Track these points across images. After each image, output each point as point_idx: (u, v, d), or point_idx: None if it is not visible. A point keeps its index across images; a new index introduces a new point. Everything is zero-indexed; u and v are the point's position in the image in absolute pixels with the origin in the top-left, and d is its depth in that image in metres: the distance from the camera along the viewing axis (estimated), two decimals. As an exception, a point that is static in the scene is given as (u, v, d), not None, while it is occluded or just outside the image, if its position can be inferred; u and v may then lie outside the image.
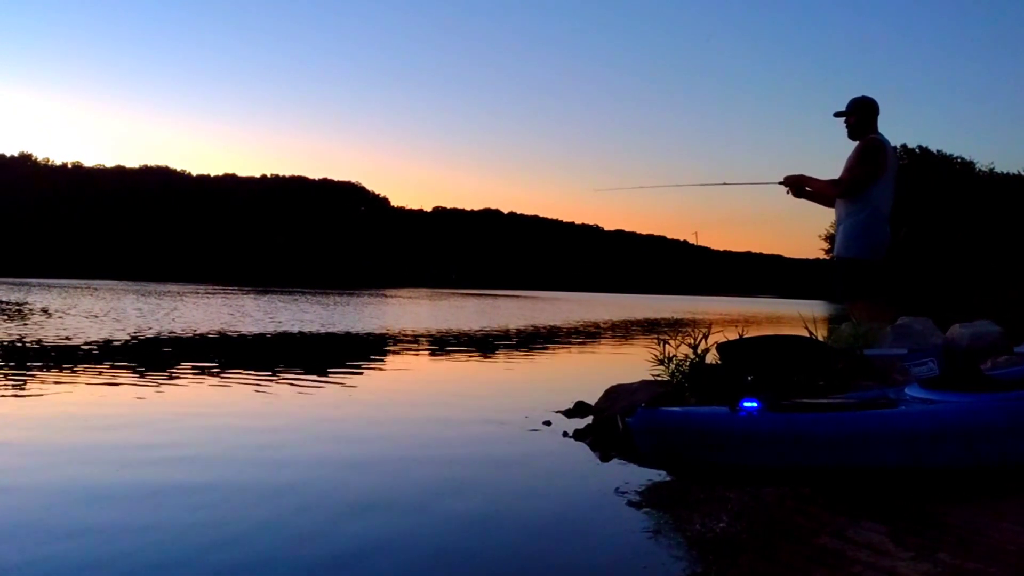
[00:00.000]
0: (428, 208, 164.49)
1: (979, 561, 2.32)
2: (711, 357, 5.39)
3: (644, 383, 5.62)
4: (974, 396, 3.05)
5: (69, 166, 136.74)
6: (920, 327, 5.13)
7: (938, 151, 47.50)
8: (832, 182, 5.60)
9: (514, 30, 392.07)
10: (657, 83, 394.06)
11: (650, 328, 20.49)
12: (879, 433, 2.91)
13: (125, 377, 7.54)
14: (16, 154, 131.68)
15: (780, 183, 5.69)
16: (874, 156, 5.43)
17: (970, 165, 46.38)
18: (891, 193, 5.57)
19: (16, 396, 6.29)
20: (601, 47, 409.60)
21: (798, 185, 5.68)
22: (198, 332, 13.61)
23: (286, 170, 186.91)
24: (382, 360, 10.99)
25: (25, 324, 13.88)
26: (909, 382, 3.59)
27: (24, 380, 7.11)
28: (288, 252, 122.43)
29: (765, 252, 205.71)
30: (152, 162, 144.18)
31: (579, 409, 6.11)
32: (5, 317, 15.69)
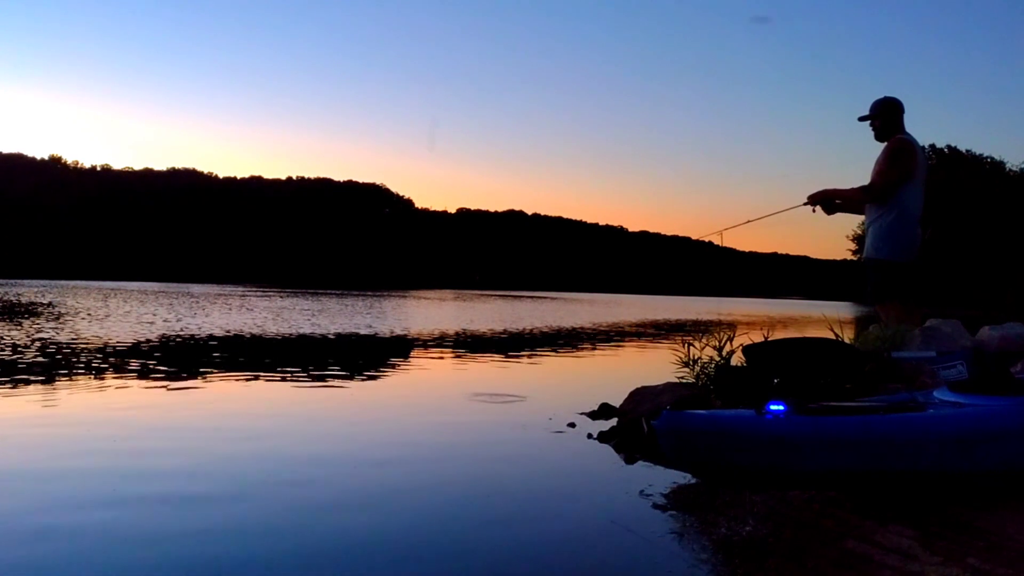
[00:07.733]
0: (452, 209, 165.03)
1: (1009, 566, 2.30)
2: (737, 359, 5.37)
3: (669, 385, 5.60)
4: (1004, 400, 3.02)
5: (98, 169, 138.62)
6: (949, 329, 5.07)
7: (967, 151, 46.98)
8: (862, 188, 5.50)
9: (537, 32, 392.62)
10: (681, 83, 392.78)
11: (675, 330, 20.40)
12: (907, 437, 2.90)
13: (181, 377, 7.65)
14: (46, 157, 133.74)
15: (805, 203, 5.57)
16: (904, 157, 5.37)
17: (1000, 164, 45.79)
18: (921, 194, 5.49)
19: (41, 399, 6.41)
20: (624, 48, 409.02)
21: (826, 200, 5.56)
22: (230, 334, 13.76)
23: (311, 172, 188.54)
24: (406, 361, 11.04)
25: (58, 327, 14.11)
26: (938, 385, 3.57)
27: (42, 384, 7.24)
28: (313, 253, 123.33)
29: (792, 253, 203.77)
30: (179, 164, 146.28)
31: (604, 411, 6.10)
32: (39, 319, 15.96)
